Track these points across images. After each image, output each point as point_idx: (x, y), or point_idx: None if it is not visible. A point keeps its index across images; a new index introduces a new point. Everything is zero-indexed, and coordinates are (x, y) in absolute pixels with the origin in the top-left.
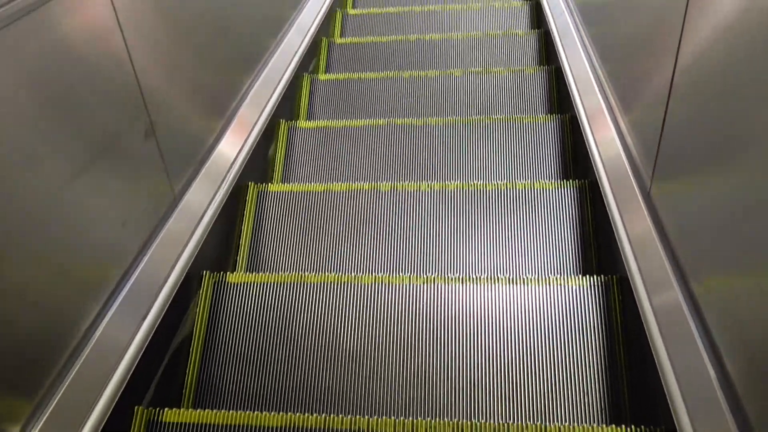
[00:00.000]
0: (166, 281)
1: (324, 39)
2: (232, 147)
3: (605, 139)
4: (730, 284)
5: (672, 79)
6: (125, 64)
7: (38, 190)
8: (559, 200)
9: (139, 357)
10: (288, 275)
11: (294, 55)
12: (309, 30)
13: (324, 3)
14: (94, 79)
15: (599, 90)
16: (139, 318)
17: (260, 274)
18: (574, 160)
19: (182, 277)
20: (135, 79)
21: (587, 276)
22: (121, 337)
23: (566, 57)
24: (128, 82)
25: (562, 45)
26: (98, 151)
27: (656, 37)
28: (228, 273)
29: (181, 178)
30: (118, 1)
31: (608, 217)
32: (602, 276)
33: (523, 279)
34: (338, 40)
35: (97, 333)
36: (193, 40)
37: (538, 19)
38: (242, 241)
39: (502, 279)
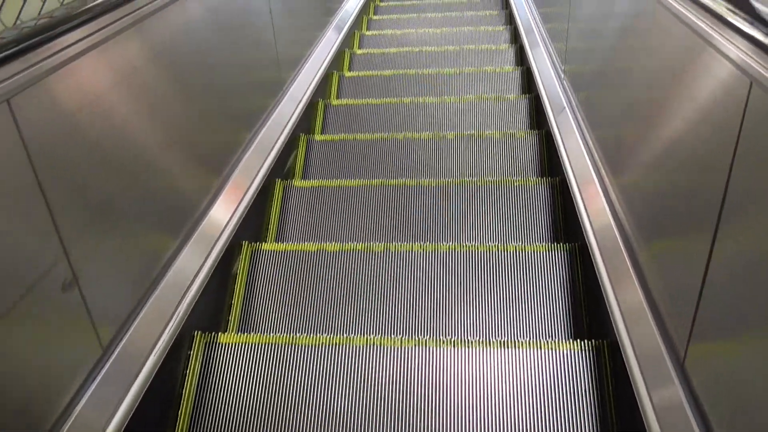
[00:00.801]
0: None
1: (320, 100)
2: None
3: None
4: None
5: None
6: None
7: None
8: (550, 263)
9: (128, 420)
10: (279, 337)
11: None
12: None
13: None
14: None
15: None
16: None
17: (252, 335)
18: (565, 221)
19: (173, 338)
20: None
21: (578, 340)
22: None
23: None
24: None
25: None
26: None
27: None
28: (220, 333)
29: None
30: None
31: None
32: (593, 341)
33: (514, 343)
34: (334, 102)
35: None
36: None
37: (528, 86)
38: (235, 300)
39: (493, 343)
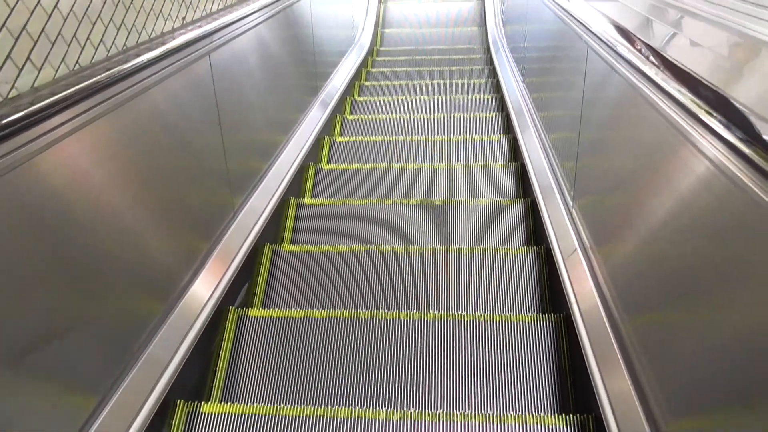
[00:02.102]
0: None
1: (311, 165)
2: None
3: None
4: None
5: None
6: None
7: None
8: (536, 333)
9: None
10: (263, 407)
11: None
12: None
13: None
14: None
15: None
16: None
17: (235, 404)
18: (550, 289)
19: (155, 410)
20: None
21: (563, 415)
22: None
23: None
24: None
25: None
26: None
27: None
28: (202, 402)
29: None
30: None
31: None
32: (579, 415)
33: (499, 417)
34: (325, 166)
35: None
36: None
37: (515, 154)
38: (219, 367)
39: (478, 416)
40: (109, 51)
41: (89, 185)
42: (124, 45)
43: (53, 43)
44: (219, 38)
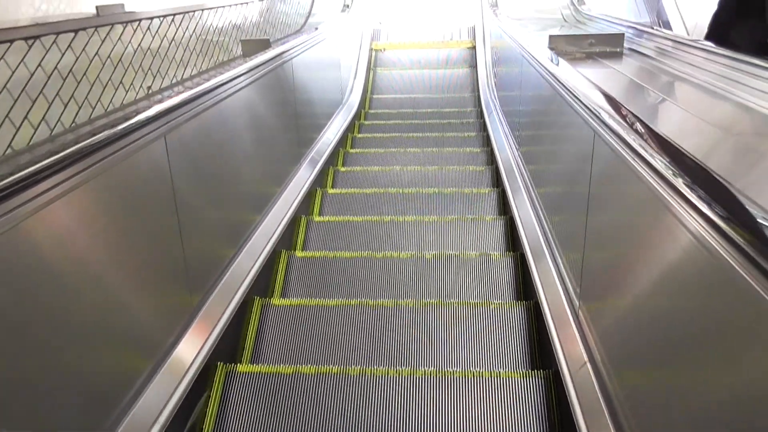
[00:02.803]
0: None
1: (302, 217)
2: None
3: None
4: None
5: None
6: None
7: None
8: (526, 389)
9: None
10: None
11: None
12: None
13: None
14: None
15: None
16: None
17: None
18: (539, 343)
19: None
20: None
21: None
22: None
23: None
24: None
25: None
26: None
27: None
28: None
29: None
30: None
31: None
32: None
33: None
34: (316, 218)
35: None
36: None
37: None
38: (206, 426)
39: None
40: (52, 130)
41: None
42: (73, 121)
43: None
44: (176, 118)
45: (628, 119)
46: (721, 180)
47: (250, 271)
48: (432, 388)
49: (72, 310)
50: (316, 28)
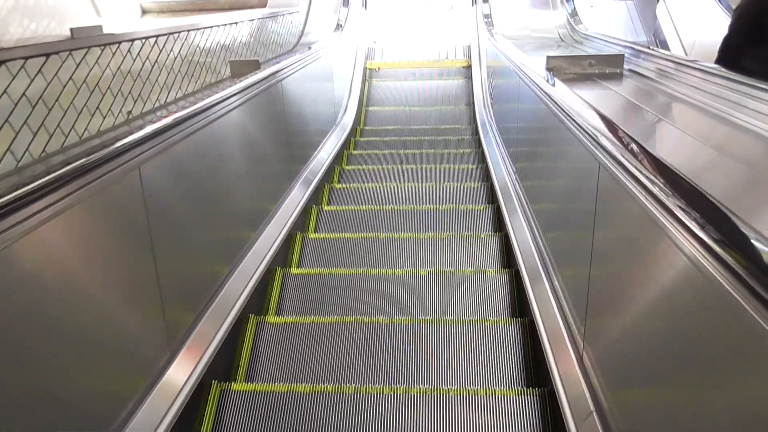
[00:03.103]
0: None
1: (298, 234)
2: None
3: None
4: None
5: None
6: None
7: None
8: (521, 406)
9: None
10: None
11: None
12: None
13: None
14: None
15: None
16: None
17: None
18: (534, 359)
19: None
20: None
21: None
22: None
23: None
24: None
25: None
26: None
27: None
28: None
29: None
30: None
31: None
32: None
33: None
34: (312, 235)
35: None
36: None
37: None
38: None
39: None
40: (19, 162)
41: None
42: (43, 151)
43: None
44: (152, 147)
45: (633, 148)
46: (728, 213)
47: (244, 289)
48: (428, 405)
49: (63, 332)
50: (309, 48)
